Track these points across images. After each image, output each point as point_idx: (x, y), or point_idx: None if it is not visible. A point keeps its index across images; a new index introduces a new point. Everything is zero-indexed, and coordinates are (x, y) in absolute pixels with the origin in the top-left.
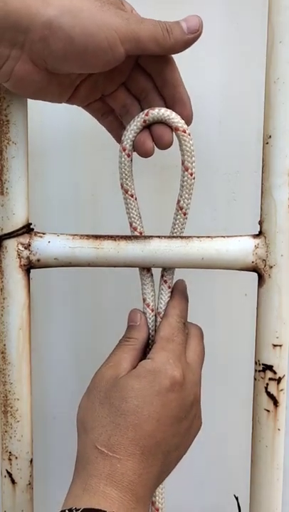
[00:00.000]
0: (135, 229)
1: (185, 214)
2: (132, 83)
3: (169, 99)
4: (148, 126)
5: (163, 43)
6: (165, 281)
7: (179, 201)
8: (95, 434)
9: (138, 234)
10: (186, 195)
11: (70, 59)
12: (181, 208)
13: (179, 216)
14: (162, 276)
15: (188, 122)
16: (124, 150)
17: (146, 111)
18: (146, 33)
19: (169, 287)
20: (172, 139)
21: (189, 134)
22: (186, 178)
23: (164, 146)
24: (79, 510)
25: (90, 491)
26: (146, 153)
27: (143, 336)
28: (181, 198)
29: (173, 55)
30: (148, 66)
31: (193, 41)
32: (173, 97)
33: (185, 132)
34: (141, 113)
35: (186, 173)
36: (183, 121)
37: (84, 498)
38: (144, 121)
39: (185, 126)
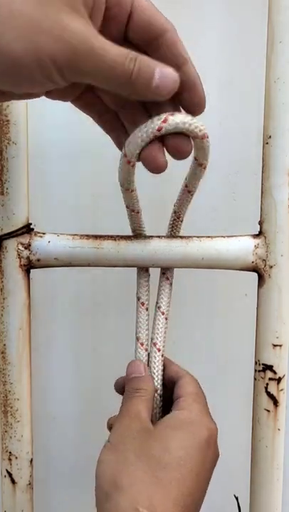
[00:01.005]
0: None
1: (190, 193)
2: None
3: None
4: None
5: (117, 84)
6: (167, 278)
7: (186, 185)
8: (134, 493)
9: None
10: (195, 182)
11: None
12: (189, 192)
13: (184, 195)
14: (163, 274)
15: (201, 108)
16: (129, 163)
17: (163, 117)
18: (102, 60)
19: (170, 284)
20: (192, 147)
21: (208, 137)
22: (198, 170)
23: (183, 157)
24: None
25: None
26: (158, 169)
27: (151, 386)
28: (190, 183)
29: None
30: (141, 41)
31: (158, 95)
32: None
33: (205, 138)
34: (155, 119)
35: (200, 167)
36: (204, 127)
37: None
38: (160, 129)
39: (206, 130)
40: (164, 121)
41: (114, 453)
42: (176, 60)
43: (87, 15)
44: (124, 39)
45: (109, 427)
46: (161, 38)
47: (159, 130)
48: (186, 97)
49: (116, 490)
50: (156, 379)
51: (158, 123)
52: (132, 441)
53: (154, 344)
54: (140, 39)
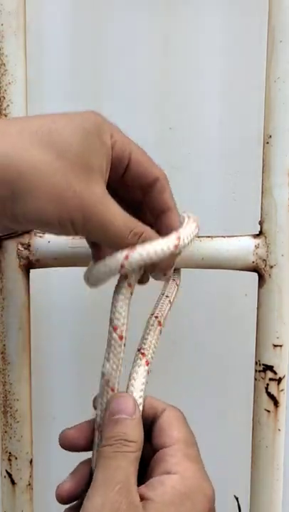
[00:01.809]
0: None
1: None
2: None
3: (157, 224)
4: None
5: (120, 247)
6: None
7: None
8: None
9: None
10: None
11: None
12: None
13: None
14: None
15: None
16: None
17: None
18: (110, 221)
19: (173, 280)
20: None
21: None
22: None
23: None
24: None
25: None
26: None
27: (142, 436)
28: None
29: (173, 58)
30: (134, 187)
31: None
32: (160, 223)
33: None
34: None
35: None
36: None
37: None
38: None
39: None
40: (126, 257)
41: None
42: (161, 205)
43: (103, 180)
44: (120, 182)
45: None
46: (152, 186)
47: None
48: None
49: None
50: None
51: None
52: None
53: (142, 354)
54: (133, 186)
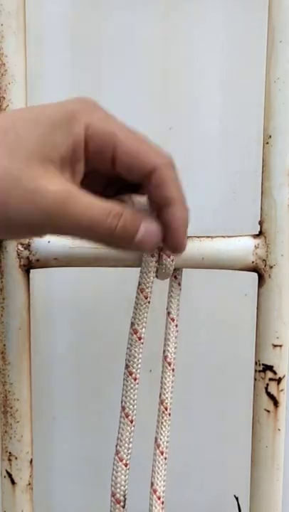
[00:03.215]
0: None
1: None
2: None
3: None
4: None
5: (100, 235)
6: (175, 277)
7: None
8: None
9: None
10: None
11: None
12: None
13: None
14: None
15: (177, 251)
16: None
17: None
18: (84, 213)
19: (176, 278)
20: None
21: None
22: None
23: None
24: None
25: None
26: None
27: None
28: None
29: (173, 58)
30: (130, 179)
31: (140, 249)
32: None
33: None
34: None
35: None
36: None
37: None
38: None
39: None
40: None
41: None
42: (162, 201)
43: (67, 170)
44: (116, 173)
45: None
46: (149, 178)
47: None
48: (166, 237)
49: None
50: None
51: None
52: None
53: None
54: (129, 178)
